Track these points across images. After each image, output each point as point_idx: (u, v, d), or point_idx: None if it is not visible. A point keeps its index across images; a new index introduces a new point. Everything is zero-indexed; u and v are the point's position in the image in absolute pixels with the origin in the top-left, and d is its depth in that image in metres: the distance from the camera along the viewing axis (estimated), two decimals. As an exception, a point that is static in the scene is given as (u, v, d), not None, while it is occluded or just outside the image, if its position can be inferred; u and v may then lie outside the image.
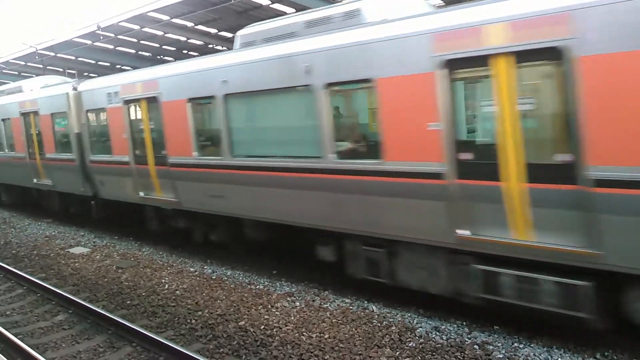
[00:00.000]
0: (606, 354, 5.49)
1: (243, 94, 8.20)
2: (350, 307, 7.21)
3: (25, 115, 14.54)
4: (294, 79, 7.30)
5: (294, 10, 24.78)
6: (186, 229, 10.54)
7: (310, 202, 7.43)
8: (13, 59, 35.18)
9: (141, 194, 10.77)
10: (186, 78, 9.11)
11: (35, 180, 14.83)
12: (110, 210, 12.87)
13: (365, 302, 7.39)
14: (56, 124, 13.26)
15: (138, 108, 10.47)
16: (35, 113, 13.90)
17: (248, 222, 9.03)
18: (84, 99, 12.05)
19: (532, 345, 5.76)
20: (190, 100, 9.02)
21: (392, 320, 6.71)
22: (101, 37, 27.77)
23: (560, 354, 5.52)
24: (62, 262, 10.89)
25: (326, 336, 6.38)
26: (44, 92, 13.84)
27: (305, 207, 7.53)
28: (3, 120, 15.97)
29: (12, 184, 17.05)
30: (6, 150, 16.28)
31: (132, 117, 10.69)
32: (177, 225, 10.64)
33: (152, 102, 9.89)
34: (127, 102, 10.57)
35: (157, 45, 32.67)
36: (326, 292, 7.91)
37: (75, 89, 12.35)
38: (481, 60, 5.46)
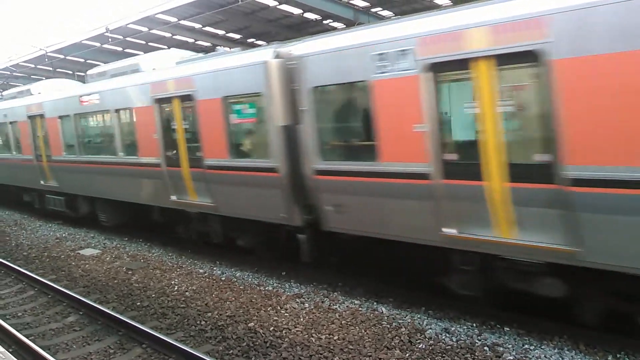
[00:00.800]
0: (618, 356, 5.44)
1: None
2: (360, 309, 7.20)
3: (162, 102, 9.99)
4: None
5: (300, 11, 24.80)
6: (566, 301, 5.92)
7: None
8: (23, 62, 35.56)
9: (449, 231, 6.18)
10: None
11: (174, 198, 10.19)
12: (334, 249, 8.45)
13: (375, 303, 7.38)
14: (234, 112, 8.65)
15: (467, 78, 5.78)
16: (185, 98, 9.36)
17: None
18: (308, 70, 7.32)
19: (542, 347, 5.72)
20: None
21: (401, 321, 6.69)
22: (110, 40, 27.96)
23: (572, 356, 5.48)
24: (73, 263, 10.97)
25: (335, 337, 6.38)
26: (198, 66, 9.24)
27: None
28: (117, 111, 11.35)
29: (125, 201, 12.04)
30: (120, 153, 11.45)
31: (446, 95, 6.23)
32: (548, 292, 5.87)
33: (514, 62, 5.40)
34: (435, 68, 5.96)
35: (166, 47, 32.84)
36: (335, 293, 7.90)
37: (279, 56, 7.77)
38: None
